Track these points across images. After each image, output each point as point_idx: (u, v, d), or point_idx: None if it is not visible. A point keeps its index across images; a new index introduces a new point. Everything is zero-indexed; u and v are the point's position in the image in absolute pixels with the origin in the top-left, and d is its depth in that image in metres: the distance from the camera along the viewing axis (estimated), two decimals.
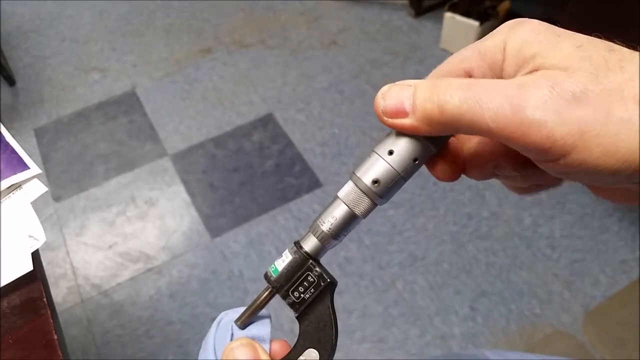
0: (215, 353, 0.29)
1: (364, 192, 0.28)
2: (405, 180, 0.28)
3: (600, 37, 0.24)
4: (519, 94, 0.22)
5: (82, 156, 1.66)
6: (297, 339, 0.29)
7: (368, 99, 1.71)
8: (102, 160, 1.64)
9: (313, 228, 0.29)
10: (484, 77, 0.26)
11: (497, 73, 0.25)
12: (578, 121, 0.21)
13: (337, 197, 0.29)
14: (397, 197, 1.56)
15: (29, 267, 0.47)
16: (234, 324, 0.30)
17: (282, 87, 1.79)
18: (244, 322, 0.30)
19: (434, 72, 0.28)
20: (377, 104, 0.27)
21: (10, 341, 0.44)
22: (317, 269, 0.29)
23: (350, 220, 0.28)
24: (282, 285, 0.29)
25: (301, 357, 0.28)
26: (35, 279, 0.47)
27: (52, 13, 2.11)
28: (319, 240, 0.29)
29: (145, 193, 1.56)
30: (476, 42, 0.27)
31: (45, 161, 1.65)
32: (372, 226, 1.42)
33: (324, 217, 0.29)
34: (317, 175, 1.55)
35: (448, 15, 1.77)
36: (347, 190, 0.28)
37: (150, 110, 1.76)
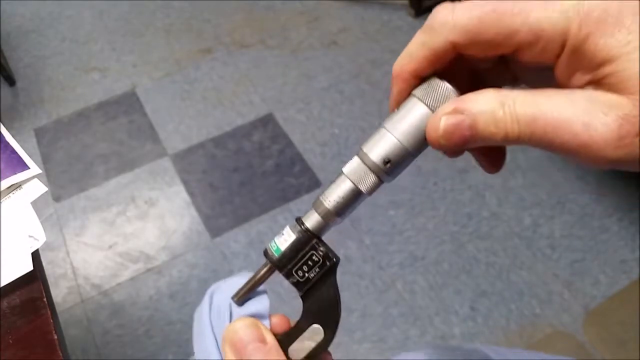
0: (213, 331, 0.28)
1: (370, 169, 0.27)
2: (414, 157, 0.27)
3: None
4: (605, 133, 0.21)
5: (82, 156, 1.66)
6: (301, 316, 0.28)
7: (368, 99, 1.71)
8: (102, 160, 1.64)
9: (316, 205, 0.28)
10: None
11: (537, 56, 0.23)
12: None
13: (342, 173, 0.28)
14: (397, 197, 1.55)
15: (29, 267, 0.47)
16: (231, 301, 0.29)
17: (282, 87, 1.79)
18: (242, 298, 0.29)
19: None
20: (437, 142, 0.25)
21: (10, 341, 0.44)
22: (322, 248, 0.28)
23: (355, 198, 0.27)
24: (284, 265, 0.28)
25: (306, 333, 0.28)
26: (35, 279, 0.47)
27: (52, 13, 2.11)
28: (323, 218, 0.28)
29: (145, 193, 1.56)
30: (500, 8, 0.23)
31: (45, 161, 1.65)
32: (372, 226, 1.42)
33: (328, 194, 0.28)
34: (317, 175, 1.55)
35: None
36: (353, 166, 0.27)
37: (150, 110, 1.76)
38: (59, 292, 1.37)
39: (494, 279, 1.33)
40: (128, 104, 1.79)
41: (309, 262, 0.28)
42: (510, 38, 0.23)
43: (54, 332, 0.45)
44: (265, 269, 0.29)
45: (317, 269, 0.28)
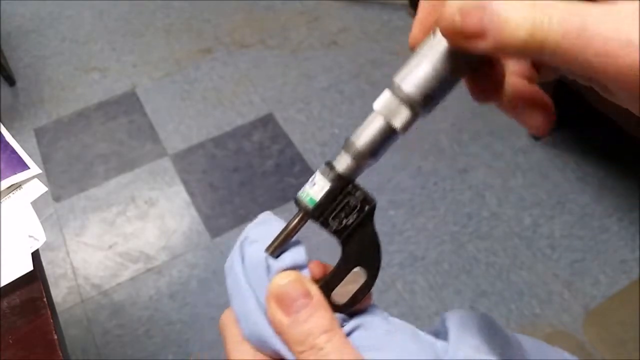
0: (250, 286, 0.27)
1: (404, 102, 0.25)
2: (451, 86, 0.25)
3: None
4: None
5: (82, 156, 1.66)
6: (340, 261, 0.27)
7: (368, 99, 1.71)
8: (102, 160, 1.64)
9: (347, 146, 0.26)
10: None
11: None
12: None
13: (374, 110, 0.26)
14: (397, 197, 1.55)
15: (29, 267, 0.47)
16: (265, 254, 0.27)
17: (282, 87, 1.79)
18: (277, 251, 0.27)
19: None
20: (451, 21, 0.21)
21: (10, 341, 0.44)
22: (359, 192, 0.26)
23: (388, 136, 0.25)
24: (320, 214, 0.26)
25: (348, 277, 0.27)
26: (35, 279, 0.47)
27: (52, 13, 2.11)
28: (355, 160, 0.26)
29: (145, 193, 1.56)
30: None
31: (45, 161, 1.65)
32: None
33: (359, 134, 0.26)
34: None
35: None
36: (385, 100, 0.25)
37: (150, 110, 1.76)
38: (59, 292, 1.37)
39: (494, 279, 1.33)
40: (128, 104, 1.79)
41: (346, 208, 0.26)
42: None
43: (54, 332, 0.45)
44: (298, 219, 0.27)
45: (356, 214, 0.26)
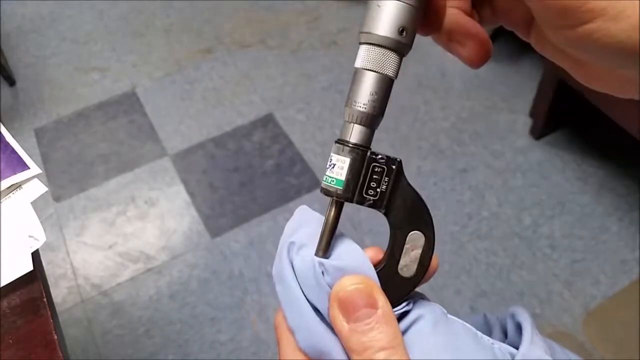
0: (306, 296, 0.25)
1: (386, 47, 0.24)
2: (421, 13, 0.24)
3: None
4: None
5: (82, 156, 1.66)
6: (392, 233, 0.26)
7: None
8: (102, 160, 1.64)
9: (350, 116, 0.25)
10: None
11: None
12: None
13: (358, 69, 0.25)
14: None
15: (29, 267, 0.47)
16: (316, 258, 0.26)
17: (282, 87, 1.79)
18: (326, 250, 0.26)
19: None
20: None
21: (10, 341, 0.44)
22: (380, 155, 0.25)
23: (386, 86, 0.25)
24: (353, 192, 0.25)
25: (407, 245, 0.26)
26: (35, 279, 0.47)
27: (52, 13, 2.11)
28: (365, 125, 0.25)
29: (145, 193, 1.56)
30: None
31: (45, 161, 1.65)
32: (372, 227, 1.42)
33: (357, 98, 0.25)
34: (317, 175, 1.55)
35: None
36: (366, 55, 0.25)
37: (150, 110, 1.76)
38: (59, 292, 1.37)
39: (494, 279, 1.33)
40: (128, 104, 1.79)
41: (375, 176, 0.25)
42: None
43: (54, 332, 0.45)
44: (334, 209, 0.26)
45: (387, 178, 0.25)
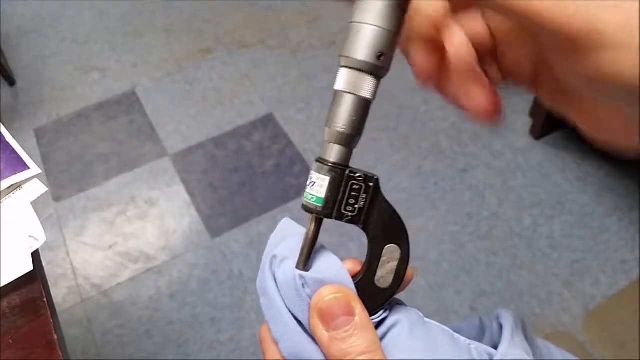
0: (288, 307, 0.27)
1: (364, 71, 0.25)
2: (399, 36, 0.25)
3: None
4: None
5: (82, 156, 1.66)
6: (369, 246, 0.27)
7: None
8: (102, 160, 1.64)
9: (330, 135, 0.26)
10: None
11: None
12: (631, 11, 0.17)
13: (337, 91, 0.26)
14: (397, 197, 1.56)
15: (29, 267, 0.47)
16: (297, 271, 0.27)
17: (282, 87, 1.79)
18: (306, 263, 0.27)
19: None
20: None
21: (10, 341, 0.44)
22: (359, 174, 0.26)
23: (364, 108, 0.26)
24: (332, 209, 0.26)
25: (383, 257, 0.27)
26: (35, 279, 0.47)
27: (52, 13, 2.11)
28: (344, 145, 0.26)
29: (145, 193, 1.56)
30: None
31: (45, 161, 1.65)
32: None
33: (336, 119, 0.26)
34: None
35: None
36: (345, 77, 0.25)
37: (150, 110, 1.76)
38: (59, 292, 1.37)
39: (494, 279, 1.33)
40: (128, 104, 1.79)
41: (353, 193, 0.26)
42: None
43: (54, 332, 0.45)
44: (314, 224, 0.27)
45: (364, 195, 0.27)
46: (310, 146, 1.62)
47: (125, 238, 1.46)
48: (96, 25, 2.06)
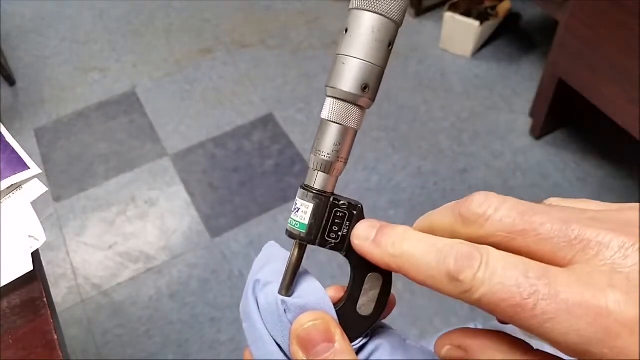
0: (270, 332, 0.27)
1: (350, 102, 0.25)
2: (384, 70, 0.26)
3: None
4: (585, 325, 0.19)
5: (82, 156, 1.66)
6: (352, 274, 0.27)
7: None
8: (102, 160, 1.64)
9: (315, 163, 0.27)
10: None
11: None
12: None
13: (324, 120, 0.26)
14: (397, 197, 1.55)
15: (29, 267, 0.47)
16: (279, 296, 0.27)
17: (282, 87, 1.79)
18: (289, 288, 0.27)
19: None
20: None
21: (10, 341, 0.44)
22: (342, 201, 0.27)
23: (349, 137, 0.26)
24: (315, 236, 0.27)
25: (365, 285, 0.27)
26: (35, 279, 0.47)
27: (52, 13, 2.11)
28: (329, 173, 0.26)
29: (145, 193, 1.56)
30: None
31: (45, 161, 1.65)
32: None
33: (321, 147, 0.26)
34: None
35: (448, 15, 1.77)
36: (331, 107, 0.26)
37: (150, 110, 1.76)
38: (59, 292, 1.37)
39: None
40: (128, 104, 1.79)
41: (337, 221, 0.27)
42: None
43: (54, 332, 0.45)
44: (297, 250, 0.27)
45: (348, 223, 0.27)
46: (310, 146, 1.62)
47: (125, 238, 1.46)
48: (96, 25, 2.06)
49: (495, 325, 0.28)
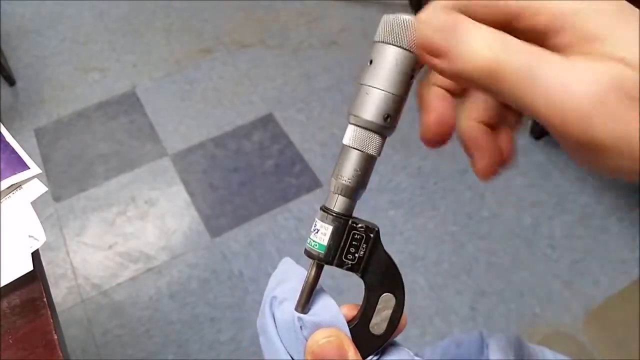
0: (286, 348, 0.28)
1: (371, 130, 0.27)
2: (406, 100, 0.27)
3: None
4: (586, 88, 0.19)
5: (82, 156, 1.66)
6: (366, 293, 0.28)
7: None
8: (102, 160, 1.64)
9: (336, 187, 0.28)
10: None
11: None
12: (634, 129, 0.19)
13: (345, 146, 0.27)
14: (397, 197, 1.55)
15: (29, 267, 0.47)
16: (296, 313, 0.28)
17: (282, 87, 1.79)
18: (305, 306, 0.28)
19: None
20: (423, 34, 0.22)
21: (10, 341, 0.44)
22: (360, 224, 0.28)
23: (369, 164, 0.27)
24: (333, 257, 0.28)
25: (379, 305, 0.28)
26: (35, 279, 0.47)
27: (52, 13, 2.11)
28: (348, 197, 0.28)
29: (145, 193, 1.56)
30: None
31: (45, 161, 1.65)
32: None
33: (342, 172, 0.27)
34: (317, 176, 1.55)
35: None
36: (353, 134, 0.27)
37: (150, 110, 1.76)
38: (59, 292, 1.37)
39: (494, 279, 1.33)
40: (128, 104, 1.79)
41: (354, 243, 0.28)
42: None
43: (54, 332, 0.45)
44: (315, 269, 0.28)
45: (365, 245, 0.28)
46: (310, 146, 1.62)
47: (125, 238, 1.46)
48: (96, 25, 2.06)
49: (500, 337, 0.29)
